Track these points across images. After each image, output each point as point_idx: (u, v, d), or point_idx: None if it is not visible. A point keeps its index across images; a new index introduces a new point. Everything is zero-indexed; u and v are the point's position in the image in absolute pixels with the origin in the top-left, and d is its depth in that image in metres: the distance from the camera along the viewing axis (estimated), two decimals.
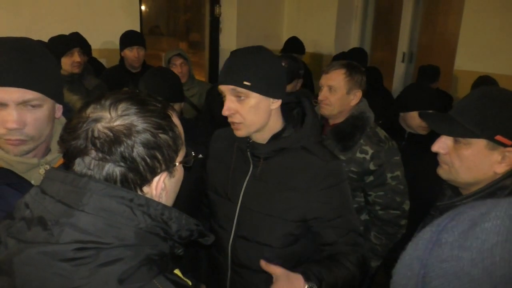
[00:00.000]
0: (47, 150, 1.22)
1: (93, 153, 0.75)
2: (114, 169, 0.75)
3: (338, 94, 1.99)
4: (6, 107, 1.05)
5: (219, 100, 3.42)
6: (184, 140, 0.90)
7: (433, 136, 2.26)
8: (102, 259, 0.70)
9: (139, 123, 0.76)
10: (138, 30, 4.25)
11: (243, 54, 1.36)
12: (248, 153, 1.45)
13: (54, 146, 1.21)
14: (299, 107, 1.47)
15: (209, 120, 3.10)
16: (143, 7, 5.05)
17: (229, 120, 1.37)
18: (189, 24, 6.75)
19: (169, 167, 0.82)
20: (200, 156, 1.91)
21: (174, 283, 0.74)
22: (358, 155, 1.97)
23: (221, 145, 1.58)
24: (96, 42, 3.71)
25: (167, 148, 0.80)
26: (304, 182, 1.38)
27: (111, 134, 0.74)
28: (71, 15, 3.89)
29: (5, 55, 1.04)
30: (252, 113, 1.34)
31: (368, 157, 1.95)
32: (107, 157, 0.74)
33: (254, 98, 1.32)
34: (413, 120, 2.30)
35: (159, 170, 0.80)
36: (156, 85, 1.84)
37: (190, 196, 1.84)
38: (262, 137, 1.43)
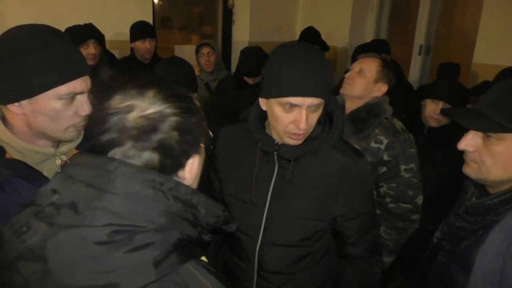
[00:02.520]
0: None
1: (129, 143, 0.74)
2: (151, 156, 0.75)
3: (365, 78, 1.97)
4: (82, 95, 1.12)
5: (229, 94, 3.39)
6: None
7: (452, 131, 2.22)
8: (136, 242, 0.69)
9: (170, 109, 0.76)
10: (151, 22, 4.20)
11: (308, 58, 1.23)
12: (275, 155, 1.38)
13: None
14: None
15: (220, 113, 3.07)
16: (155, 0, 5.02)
17: (295, 131, 1.27)
18: (202, 16, 6.71)
19: (197, 150, 0.84)
20: (212, 147, 1.89)
21: (206, 269, 0.75)
22: (373, 144, 1.92)
23: (233, 146, 1.50)
24: (107, 33, 3.66)
25: (196, 131, 0.81)
26: (332, 180, 1.36)
27: (146, 123, 0.74)
28: (83, 6, 3.87)
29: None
30: (315, 121, 1.30)
31: (382, 147, 1.90)
32: (145, 144, 0.74)
33: (322, 106, 1.28)
34: (425, 110, 2.26)
35: (191, 154, 0.81)
36: (170, 75, 1.81)
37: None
38: None
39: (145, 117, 0.74)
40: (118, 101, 0.75)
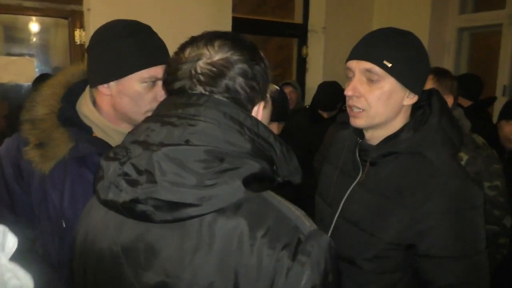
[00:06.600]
0: None
1: (199, 89, 0.82)
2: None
3: None
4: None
5: (303, 126, 3.36)
6: None
7: None
8: (226, 165, 0.74)
9: (236, 56, 0.82)
10: None
11: (388, 31, 1.17)
12: (357, 154, 1.27)
13: None
14: (427, 107, 1.21)
15: (293, 144, 3.10)
16: None
17: (349, 103, 1.19)
18: (278, 65, 7.00)
19: (263, 97, 0.89)
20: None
21: (283, 199, 0.82)
22: None
23: (338, 146, 1.44)
24: None
25: (261, 78, 0.86)
26: (416, 198, 1.12)
27: (214, 69, 0.81)
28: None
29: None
30: (381, 101, 1.14)
31: (462, 163, 1.79)
32: (214, 89, 0.81)
33: (389, 84, 1.12)
34: (501, 131, 2.14)
35: (256, 100, 0.87)
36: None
37: None
38: (376, 136, 1.22)
39: (212, 64, 0.81)
40: (188, 52, 0.84)
